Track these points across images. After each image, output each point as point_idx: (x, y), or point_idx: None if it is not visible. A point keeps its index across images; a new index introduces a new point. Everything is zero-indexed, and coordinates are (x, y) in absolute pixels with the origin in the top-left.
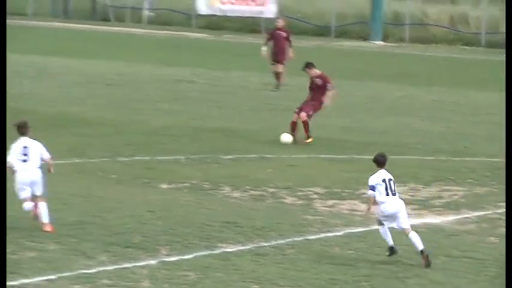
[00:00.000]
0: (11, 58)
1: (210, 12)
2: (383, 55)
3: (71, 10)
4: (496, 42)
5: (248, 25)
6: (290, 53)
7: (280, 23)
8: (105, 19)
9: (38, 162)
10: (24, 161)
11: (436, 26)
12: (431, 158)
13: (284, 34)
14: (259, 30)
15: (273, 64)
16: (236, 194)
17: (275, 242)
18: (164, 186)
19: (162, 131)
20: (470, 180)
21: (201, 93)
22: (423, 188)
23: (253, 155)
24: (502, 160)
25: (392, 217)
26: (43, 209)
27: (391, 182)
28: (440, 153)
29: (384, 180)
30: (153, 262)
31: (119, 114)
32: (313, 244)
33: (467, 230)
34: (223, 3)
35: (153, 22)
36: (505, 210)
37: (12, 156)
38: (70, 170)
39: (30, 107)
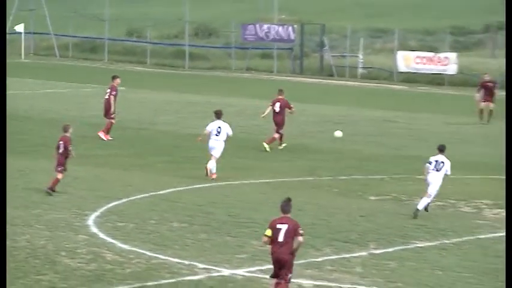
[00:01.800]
0: (257, 103)
1: (407, 70)
2: None
3: (304, 68)
4: None
5: (435, 79)
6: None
7: (487, 76)
8: (330, 75)
9: (224, 137)
10: (216, 134)
11: None
12: None
13: (491, 84)
14: (444, 84)
15: (483, 102)
16: None
17: (454, 240)
18: (372, 197)
19: (373, 158)
20: None
21: (401, 130)
22: None
23: None
24: None
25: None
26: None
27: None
28: None
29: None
30: (364, 253)
31: (339, 145)
32: (483, 242)
33: None
34: (417, 63)
35: (366, 77)
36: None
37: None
38: (304, 185)
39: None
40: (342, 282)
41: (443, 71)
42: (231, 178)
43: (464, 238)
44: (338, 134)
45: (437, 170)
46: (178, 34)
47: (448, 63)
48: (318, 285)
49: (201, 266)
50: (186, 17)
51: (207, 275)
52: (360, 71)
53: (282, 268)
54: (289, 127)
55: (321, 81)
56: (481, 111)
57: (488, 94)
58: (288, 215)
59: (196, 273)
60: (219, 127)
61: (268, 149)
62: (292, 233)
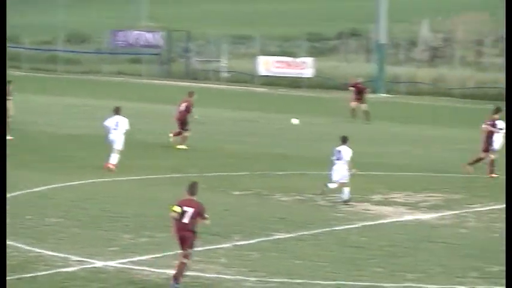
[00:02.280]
0: (128, 105)
1: (267, 74)
2: (387, 103)
3: (171, 72)
4: (465, 94)
5: (294, 82)
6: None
7: (359, 79)
8: (195, 78)
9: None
10: (115, 128)
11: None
12: (422, 173)
13: (361, 86)
14: (301, 86)
15: (354, 102)
16: (285, 198)
17: (312, 232)
18: (236, 193)
19: (236, 155)
20: (447, 189)
21: (262, 130)
22: (414, 194)
23: (296, 172)
24: (468, 176)
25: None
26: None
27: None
28: (428, 171)
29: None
30: (228, 245)
31: (205, 143)
32: (339, 233)
33: (444, 223)
34: (276, 67)
35: (229, 80)
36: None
37: None
38: (172, 181)
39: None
40: (207, 272)
41: (300, 74)
42: (105, 175)
43: (321, 230)
44: (295, 121)
45: (338, 159)
46: (52, 40)
47: (305, 67)
48: (184, 276)
49: (75, 258)
50: (60, 24)
51: (80, 266)
52: (224, 74)
53: (184, 244)
54: (155, 126)
55: (186, 84)
56: (353, 110)
57: (359, 94)
58: (194, 197)
59: (70, 265)
60: (117, 121)
61: (182, 147)
62: (196, 215)
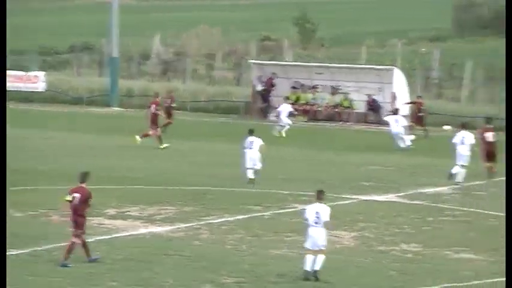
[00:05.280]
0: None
1: None
2: (120, 117)
3: None
4: (197, 107)
5: (27, 97)
6: None
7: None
8: None
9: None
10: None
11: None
12: (154, 187)
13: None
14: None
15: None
16: (18, 214)
17: (45, 247)
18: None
19: None
20: (180, 202)
21: None
22: (148, 207)
23: (28, 187)
24: (204, 188)
25: None
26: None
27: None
28: (160, 184)
29: None
30: None
31: None
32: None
33: (178, 236)
34: (9, 82)
35: None
36: (224, 220)
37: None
38: None
39: None
40: None
41: (33, 88)
42: None
43: (54, 245)
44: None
45: (250, 148)
46: None
47: (38, 81)
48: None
49: None
50: None
51: None
52: None
53: (75, 227)
54: None
55: None
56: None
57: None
58: (83, 185)
59: None
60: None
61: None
62: (84, 200)
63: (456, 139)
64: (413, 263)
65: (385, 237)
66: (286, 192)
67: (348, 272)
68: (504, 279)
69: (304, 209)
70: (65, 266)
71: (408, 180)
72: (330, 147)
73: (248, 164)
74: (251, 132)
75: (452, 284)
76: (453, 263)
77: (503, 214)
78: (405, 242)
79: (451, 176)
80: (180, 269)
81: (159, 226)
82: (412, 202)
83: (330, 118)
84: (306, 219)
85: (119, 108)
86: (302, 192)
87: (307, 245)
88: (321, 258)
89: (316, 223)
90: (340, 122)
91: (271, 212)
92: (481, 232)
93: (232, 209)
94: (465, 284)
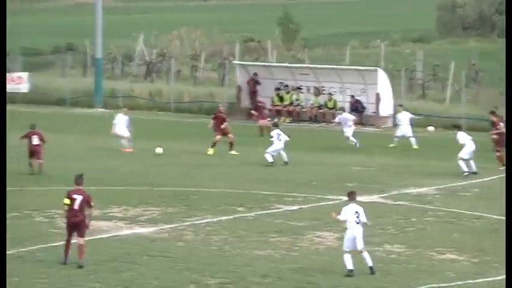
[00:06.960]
0: None
1: None
2: (104, 118)
3: None
4: (181, 108)
5: (10, 97)
6: None
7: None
8: None
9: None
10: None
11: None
12: (137, 188)
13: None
14: (17, 101)
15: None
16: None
17: (29, 248)
18: None
19: None
20: (164, 203)
21: None
22: (132, 208)
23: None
24: (188, 189)
25: None
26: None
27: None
28: (144, 185)
29: None
30: None
31: None
32: (56, 249)
33: (162, 237)
34: None
35: None
36: (208, 221)
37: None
38: None
39: None
40: None
41: (17, 89)
42: None
43: (38, 246)
44: (159, 150)
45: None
46: None
47: (21, 82)
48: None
49: None
50: None
51: None
52: None
53: (75, 229)
54: None
55: None
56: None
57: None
58: (81, 187)
59: None
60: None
61: None
62: (85, 203)
63: (463, 139)
64: (397, 264)
65: (369, 238)
66: (270, 193)
67: (331, 273)
68: (487, 279)
69: (341, 211)
70: (80, 266)
71: (392, 181)
72: (313, 148)
73: (273, 153)
74: (276, 126)
75: (436, 285)
76: (437, 264)
77: (487, 215)
78: (389, 242)
79: (472, 173)
80: (164, 270)
81: (142, 227)
82: (395, 203)
83: (314, 119)
84: (346, 221)
85: (103, 109)
86: (286, 193)
87: (347, 246)
88: (366, 254)
89: (357, 223)
90: (323, 123)
91: (254, 213)
92: (464, 233)
93: (216, 210)
94: (448, 284)
